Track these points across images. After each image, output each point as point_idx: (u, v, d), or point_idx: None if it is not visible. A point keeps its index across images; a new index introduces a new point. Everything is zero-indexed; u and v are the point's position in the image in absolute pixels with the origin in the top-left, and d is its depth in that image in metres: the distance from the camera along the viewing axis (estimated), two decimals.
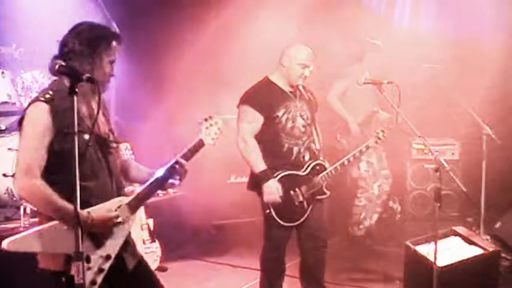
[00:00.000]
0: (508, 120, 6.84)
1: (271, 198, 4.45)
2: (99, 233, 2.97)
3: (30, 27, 6.15)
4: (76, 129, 2.64)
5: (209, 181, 6.80)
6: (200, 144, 3.36)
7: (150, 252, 5.68)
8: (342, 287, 5.52)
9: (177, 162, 3.23)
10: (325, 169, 4.60)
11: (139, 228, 5.64)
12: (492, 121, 6.04)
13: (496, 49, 6.87)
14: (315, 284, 4.71)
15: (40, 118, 2.88)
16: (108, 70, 3.05)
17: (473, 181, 6.05)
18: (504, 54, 6.84)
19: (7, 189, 5.34)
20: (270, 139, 4.53)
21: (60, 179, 2.89)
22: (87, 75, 2.77)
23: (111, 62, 3.05)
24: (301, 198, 4.51)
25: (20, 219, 5.11)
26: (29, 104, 2.99)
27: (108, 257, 3.00)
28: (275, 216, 4.45)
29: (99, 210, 2.96)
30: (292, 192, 4.49)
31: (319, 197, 4.61)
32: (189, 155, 3.30)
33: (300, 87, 4.65)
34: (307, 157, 4.59)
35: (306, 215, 4.54)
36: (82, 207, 2.76)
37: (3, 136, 5.59)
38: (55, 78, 3.04)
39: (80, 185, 2.62)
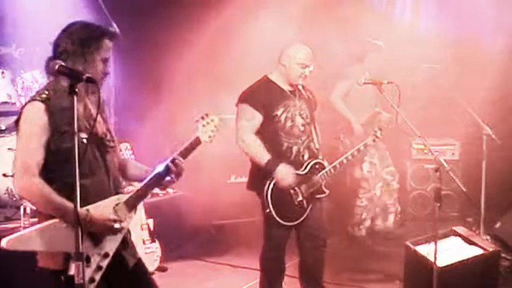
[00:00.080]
0: (508, 120, 6.84)
1: (286, 183, 4.42)
2: (97, 231, 2.97)
3: (30, 27, 6.16)
4: (76, 128, 2.64)
5: (209, 181, 6.80)
6: (197, 142, 3.37)
7: (150, 252, 5.68)
8: (342, 287, 5.52)
9: (173, 159, 3.24)
10: (324, 168, 4.60)
11: (139, 228, 5.64)
12: (492, 121, 6.03)
13: (496, 49, 6.88)
14: (314, 283, 4.71)
15: (37, 117, 2.91)
16: (101, 68, 3.05)
17: (473, 181, 6.05)
18: (504, 54, 6.85)
19: (7, 189, 5.35)
20: (269, 138, 4.52)
21: (57, 177, 2.92)
22: (87, 75, 2.77)
23: (104, 60, 3.06)
24: (300, 197, 4.51)
25: (20, 219, 5.12)
26: (25, 104, 3.02)
27: (106, 255, 3.01)
28: (275, 216, 4.44)
29: (97, 209, 2.96)
30: (291, 191, 4.49)
31: (318, 196, 4.61)
32: (185, 152, 3.31)
33: (300, 87, 4.65)
34: (306, 156, 4.59)
35: (305, 214, 4.54)
36: (79, 205, 2.76)
37: (3, 136, 5.60)
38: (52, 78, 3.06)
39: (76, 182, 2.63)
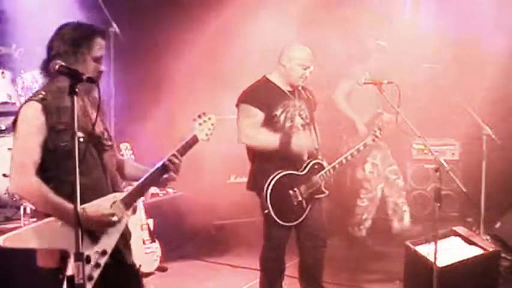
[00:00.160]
0: (508, 120, 6.83)
1: (304, 149, 4.47)
2: (94, 228, 2.99)
3: (30, 27, 6.15)
4: (76, 128, 2.65)
5: (209, 181, 6.80)
6: (194, 140, 3.38)
7: (150, 252, 5.68)
8: (342, 287, 5.52)
9: (170, 157, 3.26)
10: (324, 168, 4.60)
11: (139, 228, 5.64)
12: (492, 121, 6.03)
13: (496, 49, 6.87)
14: (314, 283, 4.71)
15: (33, 117, 2.96)
16: (93, 67, 3.07)
17: (473, 181, 6.05)
18: (504, 54, 6.84)
19: (7, 189, 5.35)
20: None
21: (54, 176, 2.96)
22: (87, 75, 2.79)
23: (96, 59, 3.08)
24: (300, 198, 4.51)
25: (20, 219, 5.13)
26: (22, 105, 3.08)
27: (104, 252, 3.03)
28: (274, 216, 4.44)
29: (93, 207, 2.98)
30: (291, 191, 4.49)
31: (317, 197, 4.61)
32: (182, 150, 3.32)
33: (299, 87, 4.65)
34: (305, 156, 4.59)
35: (304, 215, 4.54)
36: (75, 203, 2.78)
37: (3, 136, 5.60)
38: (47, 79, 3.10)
39: (73, 181, 2.64)
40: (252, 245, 5.38)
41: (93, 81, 2.82)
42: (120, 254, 3.17)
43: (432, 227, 4.32)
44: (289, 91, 4.61)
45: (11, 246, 2.87)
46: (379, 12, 7.27)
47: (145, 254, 5.64)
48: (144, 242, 5.65)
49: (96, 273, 2.98)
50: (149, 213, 5.75)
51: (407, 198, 6.86)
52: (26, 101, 3.06)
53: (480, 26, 7.00)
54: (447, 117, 7.27)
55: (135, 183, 3.32)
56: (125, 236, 3.21)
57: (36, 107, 2.96)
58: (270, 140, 4.46)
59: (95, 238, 3.01)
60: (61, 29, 3.10)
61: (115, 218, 3.05)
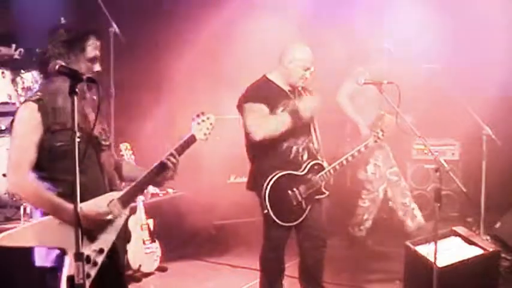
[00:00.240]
0: (508, 120, 6.84)
1: (313, 111, 4.50)
2: (90, 226, 3.00)
3: (30, 27, 6.15)
4: (76, 128, 2.65)
5: (209, 181, 6.80)
6: (192, 140, 3.38)
7: (150, 252, 5.69)
8: (342, 287, 5.52)
9: (168, 156, 3.26)
10: (324, 169, 4.60)
11: (139, 228, 5.64)
12: (492, 121, 6.03)
13: (497, 49, 6.87)
14: (314, 284, 4.70)
15: (30, 117, 2.99)
16: (86, 68, 3.07)
17: (473, 181, 6.05)
18: (504, 54, 6.84)
19: (7, 190, 5.34)
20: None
21: (50, 175, 2.99)
22: (88, 75, 2.79)
23: (91, 60, 3.10)
24: (299, 198, 4.50)
25: (20, 219, 5.13)
26: (20, 105, 3.13)
27: (101, 251, 3.05)
28: (273, 216, 4.44)
29: (90, 206, 3.00)
30: (290, 192, 4.48)
31: (317, 197, 4.60)
32: (180, 150, 3.32)
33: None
34: (305, 157, 4.58)
35: (304, 215, 4.53)
36: (72, 202, 2.77)
37: (3, 136, 5.60)
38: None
39: (69, 180, 2.66)
40: (252, 245, 5.38)
41: (93, 81, 2.82)
42: (116, 254, 3.17)
43: (432, 227, 4.32)
44: (289, 90, 4.60)
45: (8, 245, 2.89)
46: (379, 12, 7.26)
47: (145, 254, 5.65)
48: (144, 242, 5.66)
49: (93, 272, 3.00)
50: (149, 213, 5.76)
51: None
52: (23, 102, 3.12)
53: (480, 26, 6.99)
54: (447, 117, 7.27)
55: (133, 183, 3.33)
56: (123, 236, 3.23)
57: (32, 108, 3.00)
58: (280, 119, 4.43)
59: (92, 236, 3.03)
60: (53, 32, 3.12)
61: (111, 217, 3.07)
